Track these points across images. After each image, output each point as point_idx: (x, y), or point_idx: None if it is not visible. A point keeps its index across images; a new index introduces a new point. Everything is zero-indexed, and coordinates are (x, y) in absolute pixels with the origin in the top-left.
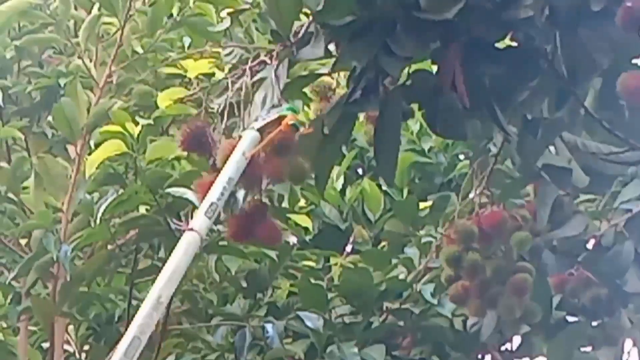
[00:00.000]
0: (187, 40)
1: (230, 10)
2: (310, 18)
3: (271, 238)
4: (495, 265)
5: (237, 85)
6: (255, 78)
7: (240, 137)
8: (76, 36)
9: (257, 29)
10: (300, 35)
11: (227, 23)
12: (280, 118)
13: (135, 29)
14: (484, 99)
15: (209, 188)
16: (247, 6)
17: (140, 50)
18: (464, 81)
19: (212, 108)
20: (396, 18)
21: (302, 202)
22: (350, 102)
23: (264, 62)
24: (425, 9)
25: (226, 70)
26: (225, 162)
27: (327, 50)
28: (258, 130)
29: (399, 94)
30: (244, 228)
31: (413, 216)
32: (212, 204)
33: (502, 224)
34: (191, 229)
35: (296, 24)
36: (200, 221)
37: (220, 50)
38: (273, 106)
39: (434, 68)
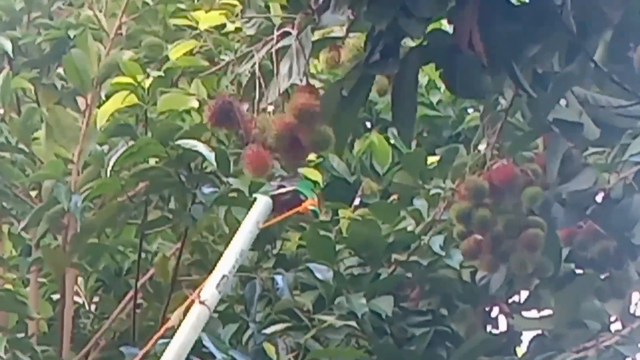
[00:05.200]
0: None
1: None
2: None
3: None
4: (506, 221)
5: (260, 55)
6: (278, 46)
7: (254, 200)
8: None
9: None
10: (320, 1)
11: None
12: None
13: None
14: (501, 57)
15: (259, 159)
16: None
17: (150, 2)
18: (480, 39)
19: (223, 60)
20: None
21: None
22: (370, 64)
23: (287, 32)
24: None
25: (246, 41)
26: (270, 137)
27: None
28: (271, 197)
29: (416, 55)
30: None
31: (421, 168)
32: (223, 276)
33: (513, 179)
34: (202, 303)
35: None
36: (210, 294)
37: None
38: (288, 178)
39: (449, 27)
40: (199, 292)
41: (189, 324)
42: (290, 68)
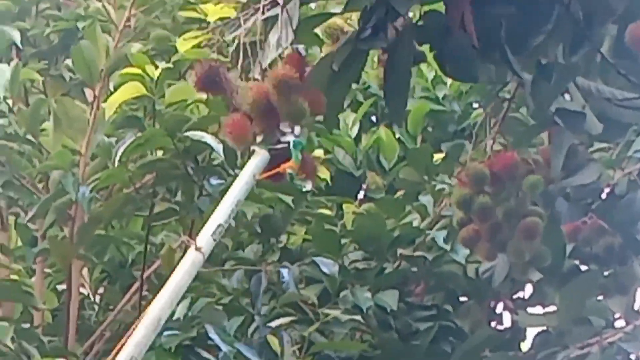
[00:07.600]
0: None
1: None
2: None
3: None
4: (506, 209)
5: (248, 24)
6: (266, 15)
7: (252, 151)
8: None
9: None
10: None
11: None
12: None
13: None
14: (496, 41)
15: (239, 128)
16: None
17: None
18: (474, 21)
19: (227, 50)
20: None
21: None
22: (361, 39)
23: (275, 1)
24: None
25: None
26: (247, 103)
27: None
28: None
29: (409, 34)
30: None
31: (427, 164)
32: (219, 225)
33: (514, 167)
34: (198, 249)
35: None
36: (205, 241)
37: None
38: (287, 133)
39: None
40: (194, 238)
41: (184, 269)
42: (279, 38)
